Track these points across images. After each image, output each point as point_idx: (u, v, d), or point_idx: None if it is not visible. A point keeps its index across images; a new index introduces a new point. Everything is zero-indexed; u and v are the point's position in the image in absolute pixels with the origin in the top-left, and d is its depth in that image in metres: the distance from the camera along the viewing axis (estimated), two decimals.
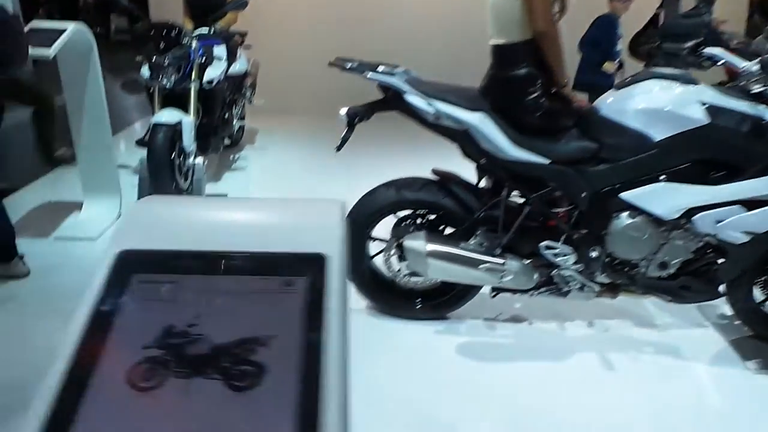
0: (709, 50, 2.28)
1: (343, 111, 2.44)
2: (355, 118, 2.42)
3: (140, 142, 4.50)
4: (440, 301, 2.72)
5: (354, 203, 2.56)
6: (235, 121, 5.11)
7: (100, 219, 3.67)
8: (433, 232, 2.55)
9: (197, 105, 4.05)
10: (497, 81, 2.49)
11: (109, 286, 0.63)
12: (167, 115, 3.67)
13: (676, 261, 2.45)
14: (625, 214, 2.41)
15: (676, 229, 2.38)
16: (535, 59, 2.39)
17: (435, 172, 2.60)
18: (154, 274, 0.65)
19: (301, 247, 0.67)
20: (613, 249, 2.45)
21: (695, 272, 2.50)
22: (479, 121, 2.34)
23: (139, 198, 3.85)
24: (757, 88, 2.22)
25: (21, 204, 3.93)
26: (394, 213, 2.64)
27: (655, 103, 2.32)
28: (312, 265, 0.65)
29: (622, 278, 2.57)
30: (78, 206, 3.78)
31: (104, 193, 3.74)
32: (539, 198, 2.46)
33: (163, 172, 3.60)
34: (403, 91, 2.35)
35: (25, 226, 3.59)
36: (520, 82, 2.41)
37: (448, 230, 2.64)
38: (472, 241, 2.51)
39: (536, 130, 2.43)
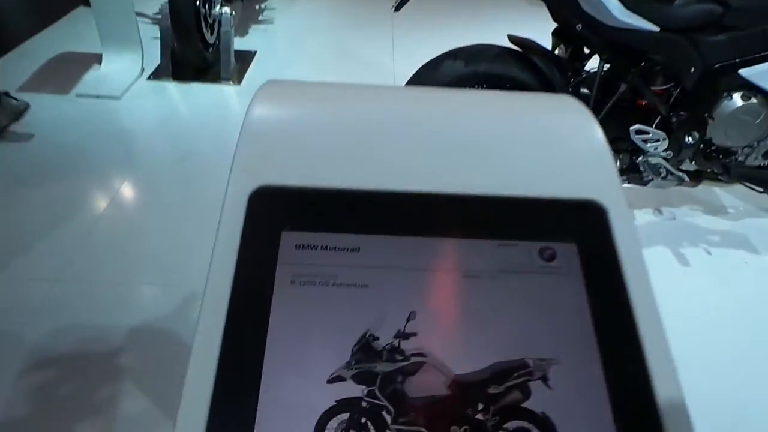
0: None
1: None
2: None
3: None
4: None
5: (411, 76, 2.20)
6: None
7: (121, 75, 3.33)
8: None
9: None
10: None
11: (248, 254, 0.36)
12: None
13: None
14: (738, 94, 2.07)
15: None
16: None
17: (511, 38, 2.19)
18: (317, 233, 0.38)
19: (550, 185, 0.39)
20: (714, 134, 2.15)
21: None
22: None
23: (162, 52, 3.46)
24: None
25: (37, 52, 3.57)
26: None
27: None
28: (581, 221, 0.38)
29: (714, 166, 2.30)
30: (97, 58, 3.42)
31: (124, 45, 3.35)
32: (639, 73, 2.09)
33: (188, 23, 3.19)
34: None
35: (44, 80, 3.28)
36: None
37: None
38: None
39: None
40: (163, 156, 2.76)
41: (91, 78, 3.32)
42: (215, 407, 0.32)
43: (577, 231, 0.38)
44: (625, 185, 2.39)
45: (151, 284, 1.98)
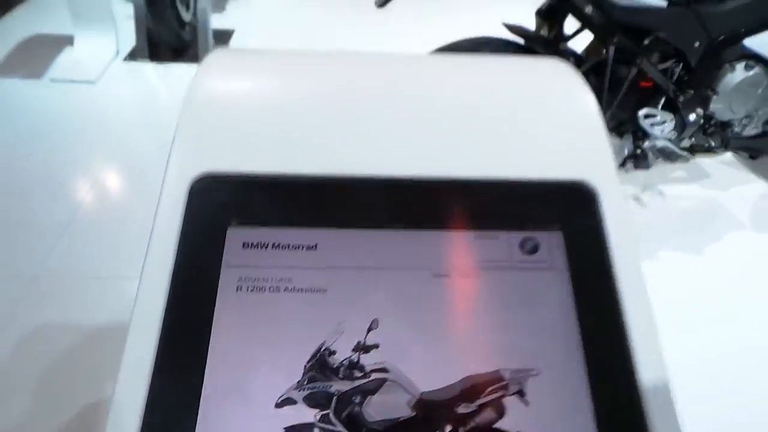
0: None
1: None
2: None
3: None
4: None
5: None
6: None
7: (96, 57, 3.22)
8: None
9: None
10: None
11: (187, 255, 0.32)
12: None
13: None
14: (741, 65, 2.06)
15: None
16: None
17: (508, 27, 2.08)
18: (268, 228, 0.33)
19: (533, 164, 0.34)
20: (717, 108, 2.13)
21: None
22: None
23: (137, 32, 3.35)
24: None
25: (5, 34, 3.45)
26: None
27: None
28: (568, 206, 0.34)
29: (714, 140, 2.28)
30: (69, 40, 3.31)
31: (96, 24, 3.24)
32: (646, 53, 2.03)
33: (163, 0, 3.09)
34: None
35: (16, 63, 3.17)
36: None
37: None
38: None
39: None
40: (145, 143, 2.68)
41: (64, 61, 3.21)
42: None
43: (562, 218, 0.33)
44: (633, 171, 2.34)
45: (135, 278, 1.92)
